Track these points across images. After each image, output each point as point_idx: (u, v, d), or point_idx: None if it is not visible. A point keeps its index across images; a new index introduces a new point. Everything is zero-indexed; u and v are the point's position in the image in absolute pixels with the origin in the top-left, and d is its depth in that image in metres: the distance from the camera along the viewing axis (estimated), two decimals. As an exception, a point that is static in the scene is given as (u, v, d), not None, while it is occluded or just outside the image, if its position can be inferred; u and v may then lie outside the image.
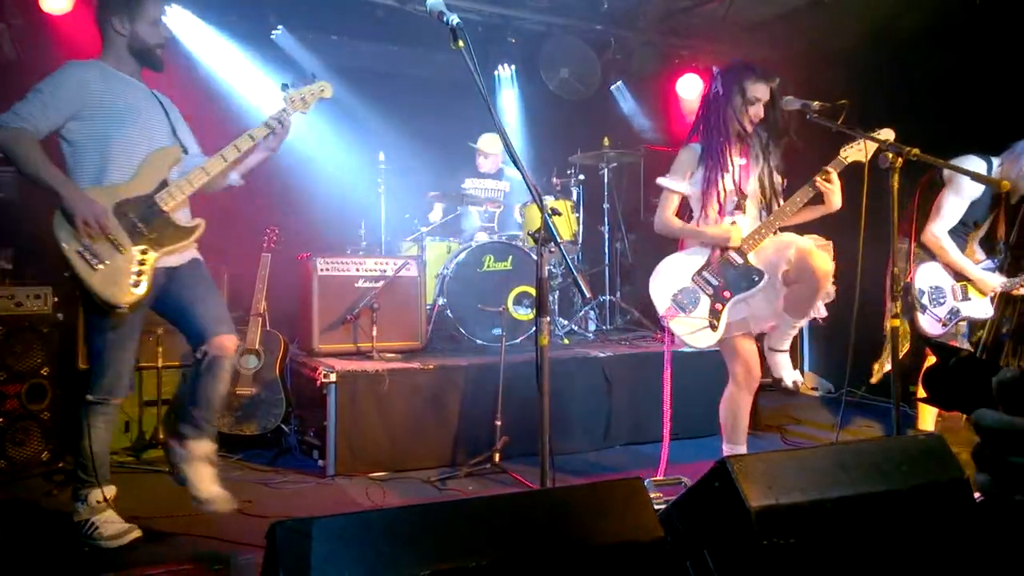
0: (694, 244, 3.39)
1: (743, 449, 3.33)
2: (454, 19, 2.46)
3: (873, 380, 4.14)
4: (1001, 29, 4.76)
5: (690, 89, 6.80)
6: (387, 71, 6.33)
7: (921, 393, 4.59)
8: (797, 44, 5.77)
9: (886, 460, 1.56)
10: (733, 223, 3.28)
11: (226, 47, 5.54)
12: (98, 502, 2.91)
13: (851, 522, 1.47)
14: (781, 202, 3.28)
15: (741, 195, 3.30)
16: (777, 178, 3.35)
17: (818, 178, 3.14)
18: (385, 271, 4.59)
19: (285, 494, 3.63)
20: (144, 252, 2.79)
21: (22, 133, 2.67)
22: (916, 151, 2.82)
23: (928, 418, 3.98)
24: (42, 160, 2.70)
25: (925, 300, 3.86)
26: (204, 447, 2.94)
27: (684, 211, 3.47)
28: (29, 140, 2.68)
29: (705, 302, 3.25)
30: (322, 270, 4.47)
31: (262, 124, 3.01)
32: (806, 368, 6.25)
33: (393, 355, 4.40)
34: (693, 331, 3.23)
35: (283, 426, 4.25)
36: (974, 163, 3.78)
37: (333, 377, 3.87)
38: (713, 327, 3.22)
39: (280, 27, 5.56)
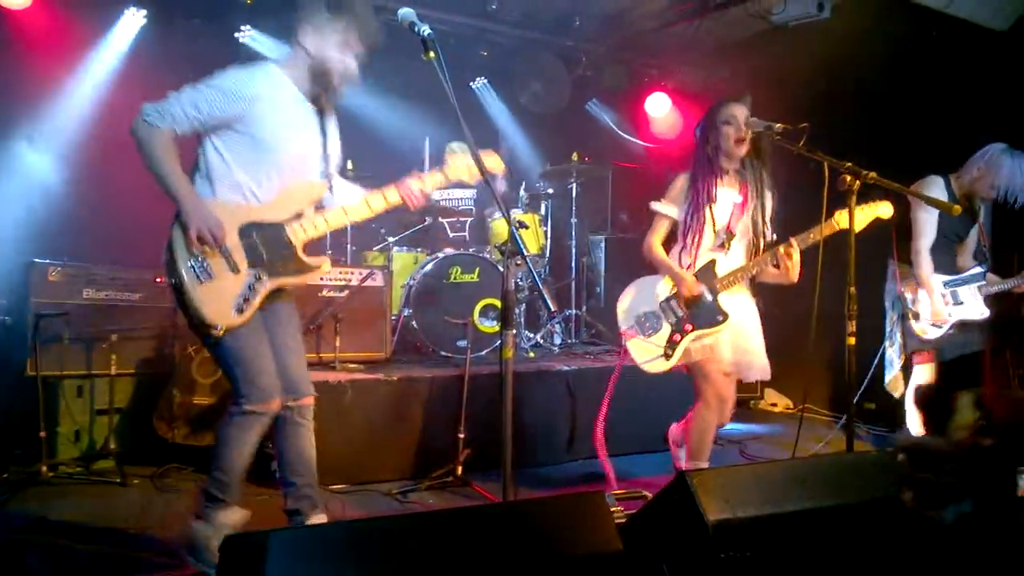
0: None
1: (705, 466, 3.36)
2: (425, 30, 2.47)
3: (897, 395, 4.27)
4: (955, 57, 4.92)
5: (658, 107, 6.89)
6: (359, 79, 6.31)
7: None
8: (761, 67, 5.89)
9: (841, 475, 1.59)
10: (712, 260, 3.34)
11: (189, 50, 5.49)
12: (223, 524, 2.69)
13: (806, 535, 1.50)
14: (769, 235, 3.37)
15: (728, 234, 3.36)
16: (768, 214, 3.40)
17: (781, 249, 3.22)
18: (350, 280, 4.56)
19: (241, 507, 3.56)
20: (258, 278, 2.65)
21: (163, 135, 2.50)
22: (873, 175, 2.88)
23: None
24: (173, 165, 2.52)
25: (918, 307, 4.02)
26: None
27: (670, 239, 3.53)
28: (167, 142, 2.51)
29: (666, 330, 3.33)
30: (286, 278, 4.42)
31: (418, 185, 2.92)
32: (765, 384, 6.34)
33: (356, 366, 4.36)
34: (647, 356, 3.34)
35: (243, 436, 4.18)
36: (934, 183, 4.03)
37: (295, 387, 3.83)
38: (667, 356, 3.30)
39: (248, 27, 5.51)
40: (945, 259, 4.10)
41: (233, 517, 2.72)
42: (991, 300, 4.10)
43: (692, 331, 3.29)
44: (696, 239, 3.34)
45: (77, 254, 4.27)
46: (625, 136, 7.13)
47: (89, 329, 4.05)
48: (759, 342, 3.37)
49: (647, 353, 3.33)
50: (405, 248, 5.41)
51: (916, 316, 4.07)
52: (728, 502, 1.49)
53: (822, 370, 5.50)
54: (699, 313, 3.31)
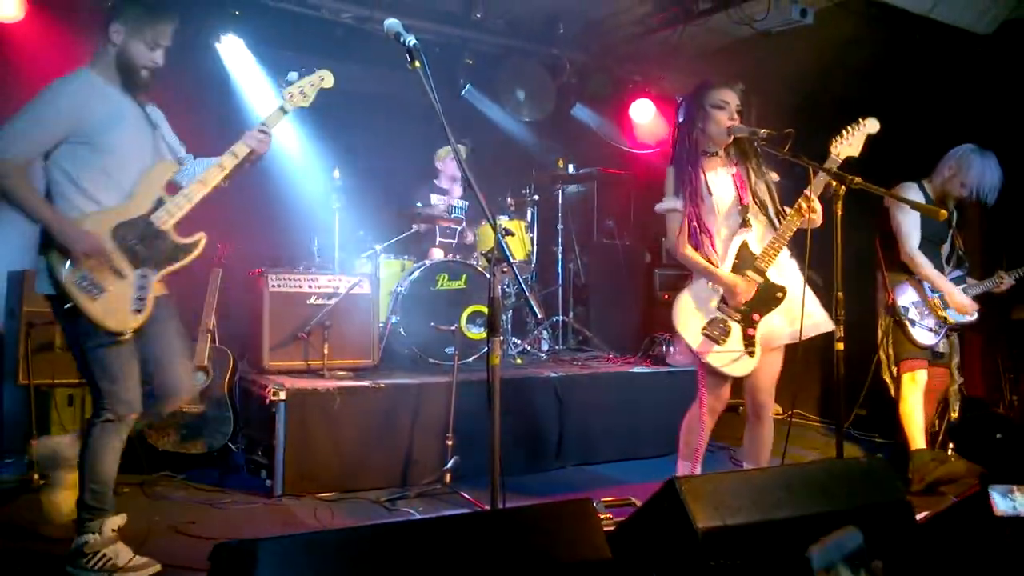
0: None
1: (699, 470, 3.32)
2: (411, 40, 2.49)
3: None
4: (939, 62, 4.97)
5: (643, 114, 6.91)
6: (345, 89, 6.28)
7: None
8: (745, 73, 5.90)
9: (831, 482, 1.60)
10: (744, 243, 3.16)
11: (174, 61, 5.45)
12: (112, 531, 2.76)
13: (796, 542, 1.50)
14: (785, 209, 3.19)
15: (743, 208, 3.19)
16: (771, 176, 3.28)
17: (802, 203, 3.05)
18: (338, 288, 4.54)
19: (231, 515, 3.54)
20: (144, 276, 2.75)
21: (6, 166, 2.56)
22: (859, 179, 2.90)
23: (917, 437, 4.07)
24: (30, 192, 2.61)
25: (912, 315, 4.05)
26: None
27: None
28: (16, 172, 2.58)
29: (736, 330, 3.12)
30: (274, 286, 4.40)
31: (257, 126, 2.94)
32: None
33: (345, 373, 4.35)
34: (728, 361, 3.11)
35: (231, 445, 4.16)
36: (909, 189, 4.08)
37: (282, 395, 3.81)
38: (751, 353, 3.12)
39: (234, 40, 5.49)
40: (932, 263, 4.11)
41: (116, 523, 2.79)
42: (975, 303, 4.13)
43: (762, 319, 3.13)
44: (707, 229, 3.18)
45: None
46: (612, 141, 7.15)
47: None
48: (812, 298, 3.16)
49: (728, 359, 3.11)
50: (392, 255, 5.40)
51: (912, 323, 4.07)
52: (718, 509, 1.49)
53: (812, 376, 5.52)
54: (758, 298, 3.12)
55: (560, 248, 6.16)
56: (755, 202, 3.21)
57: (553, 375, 4.63)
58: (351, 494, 3.84)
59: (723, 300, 3.15)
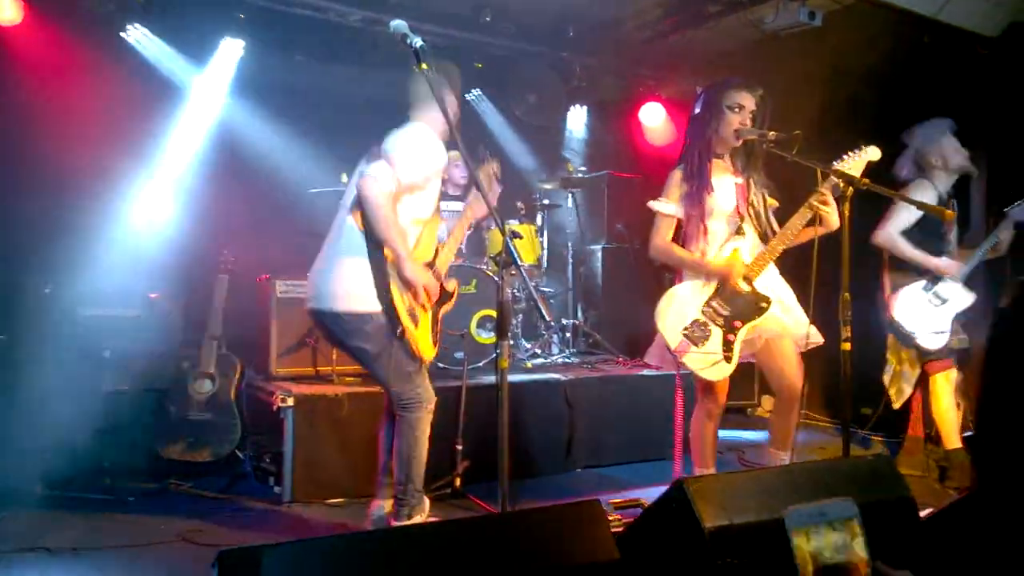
0: (694, 275, 3.29)
1: (713, 471, 3.34)
2: (418, 42, 2.50)
3: (895, 405, 4.25)
4: (948, 66, 4.94)
5: (653, 117, 6.90)
6: (352, 91, 6.32)
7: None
8: (754, 75, 5.89)
9: (836, 480, 1.59)
10: (735, 250, 3.20)
11: (182, 67, 5.49)
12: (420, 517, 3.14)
13: (804, 543, 1.49)
14: (775, 225, 3.22)
15: (739, 217, 3.23)
16: (769, 200, 3.31)
17: (813, 200, 3.06)
18: (347, 293, 4.55)
19: (239, 522, 3.54)
20: (424, 309, 3.19)
21: (389, 197, 2.87)
22: (867, 181, 2.90)
23: (953, 437, 4.04)
24: (397, 224, 2.94)
25: (911, 327, 4.01)
26: None
27: (677, 237, 3.37)
28: (390, 203, 2.89)
29: (717, 334, 3.16)
30: (281, 292, 4.41)
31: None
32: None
33: (353, 378, 4.34)
34: (707, 366, 3.15)
35: (238, 452, 4.16)
36: (923, 186, 4.03)
37: (290, 401, 3.81)
38: (728, 359, 3.14)
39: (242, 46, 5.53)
40: (934, 252, 4.05)
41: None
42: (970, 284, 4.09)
43: (743, 327, 3.15)
44: (703, 228, 3.20)
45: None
46: (605, 146, 7.17)
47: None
48: (800, 311, 3.21)
49: (705, 362, 3.15)
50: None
51: (914, 334, 4.02)
52: (725, 509, 1.49)
53: (820, 377, 5.49)
54: (743, 306, 3.16)
55: (570, 252, 6.15)
56: (750, 212, 3.24)
57: (563, 378, 4.62)
58: (360, 499, 3.84)
59: (707, 304, 3.19)
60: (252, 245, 4.78)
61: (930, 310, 4.04)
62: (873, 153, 3.11)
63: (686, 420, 3.50)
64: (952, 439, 4.02)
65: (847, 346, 2.87)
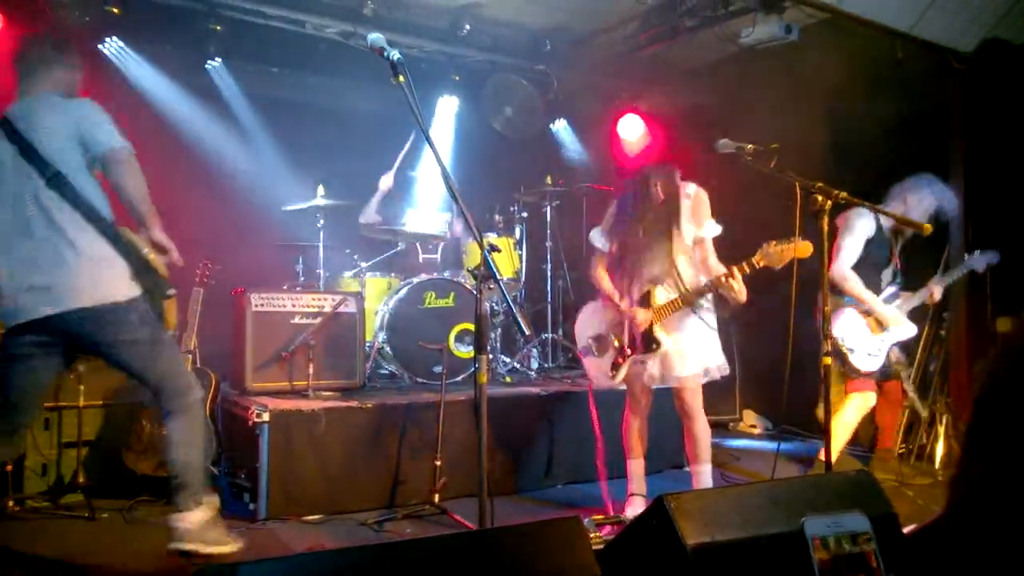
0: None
1: (641, 462, 3.76)
2: (395, 54, 2.48)
3: (820, 417, 4.25)
4: (921, 83, 5.02)
5: (630, 130, 6.93)
6: (329, 104, 6.29)
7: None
8: (732, 89, 5.96)
9: (819, 496, 1.57)
10: (647, 291, 3.50)
11: (159, 80, 5.45)
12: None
13: (786, 558, 1.48)
14: (686, 279, 3.48)
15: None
16: (687, 253, 3.52)
17: (721, 277, 3.29)
18: (323, 307, 4.50)
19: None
20: None
21: None
22: (844, 194, 2.92)
23: (838, 453, 4.06)
24: None
25: (850, 344, 4.04)
26: None
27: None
28: None
29: (611, 353, 3.65)
30: (257, 306, 4.35)
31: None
32: (744, 406, 6.34)
33: (330, 394, 4.29)
34: (597, 374, 3.75)
35: (212, 468, 4.08)
36: (861, 216, 4.11)
37: (266, 416, 3.76)
38: (612, 377, 3.65)
39: (217, 59, 5.49)
40: (872, 285, 4.14)
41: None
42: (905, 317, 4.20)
43: (631, 355, 3.56)
44: (626, 272, 3.56)
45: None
46: (582, 158, 7.21)
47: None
48: (695, 356, 3.47)
49: (596, 371, 3.74)
50: (379, 273, 5.36)
51: (851, 351, 4.07)
52: (707, 526, 1.47)
53: (799, 391, 5.51)
54: (640, 340, 3.52)
55: (549, 265, 6.14)
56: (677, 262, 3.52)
57: (543, 393, 4.59)
58: (337, 516, 3.78)
59: (611, 327, 3.65)
60: (227, 258, 4.72)
61: (868, 334, 4.10)
62: (804, 249, 3.12)
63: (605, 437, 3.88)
64: (837, 454, 4.07)
65: (828, 360, 2.88)
